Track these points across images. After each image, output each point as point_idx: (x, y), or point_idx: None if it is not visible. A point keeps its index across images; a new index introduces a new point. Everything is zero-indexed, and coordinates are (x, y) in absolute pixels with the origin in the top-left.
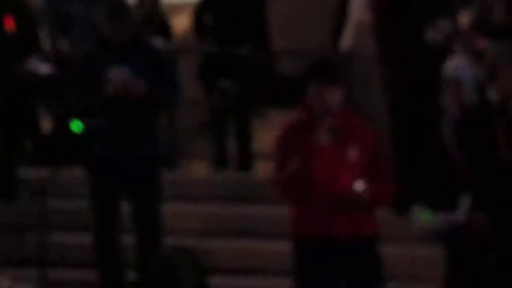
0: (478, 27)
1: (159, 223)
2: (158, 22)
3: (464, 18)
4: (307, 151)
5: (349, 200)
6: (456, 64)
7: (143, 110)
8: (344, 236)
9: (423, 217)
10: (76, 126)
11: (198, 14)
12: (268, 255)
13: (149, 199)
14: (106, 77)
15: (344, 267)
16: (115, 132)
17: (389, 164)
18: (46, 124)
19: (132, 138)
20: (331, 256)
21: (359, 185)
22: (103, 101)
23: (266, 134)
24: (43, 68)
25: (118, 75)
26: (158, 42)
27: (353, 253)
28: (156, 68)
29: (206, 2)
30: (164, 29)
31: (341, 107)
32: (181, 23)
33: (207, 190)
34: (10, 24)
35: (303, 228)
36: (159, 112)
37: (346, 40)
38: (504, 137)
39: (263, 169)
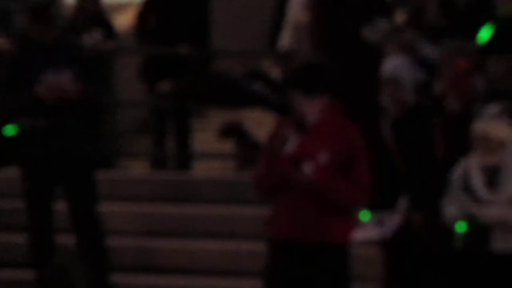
0: (413, 27)
1: (98, 223)
2: (100, 21)
3: (399, 18)
4: (275, 154)
5: (295, 176)
6: (395, 64)
7: (78, 110)
8: (309, 240)
9: (361, 216)
10: (9, 129)
11: (142, 14)
12: (206, 254)
13: (86, 198)
14: (42, 80)
15: (307, 272)
16: (49, 132)
17: (366, 173)
18: None
19: (67, 137)
20: (296, 260)
21: (306, 166)
22: (36, 101)
23: (205, 133)
24: None
25: (54, 79)
26: (90, 40)
27: (317, 259)
28: (81, 68)
29: (150, 2)
30: (106, 28)
31: (323, 113)
32: (124, 22)
33: (145, 189)
34: None
35: (271, 229)
36: (93, 112)
37: (284, 38)
38: (441, 136)
39: (201, 169)
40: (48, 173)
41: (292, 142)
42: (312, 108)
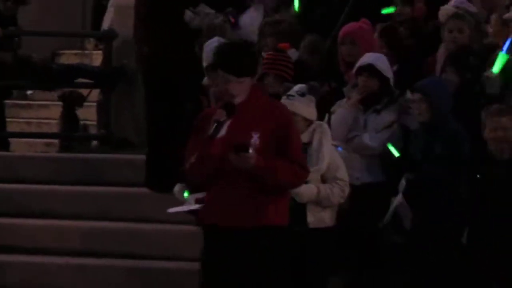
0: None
1: None
2: None
3: None
4: (206, 140)
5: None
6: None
7: None
8: (246, 225)
9: (184, 196)
10: None
11: None
12: (26, 233)
13: None
14: None
15: (245, 256)
16: None
17: (300, 150)
18: None
19: None
20: (233, 245)
21: (249, 153)
22: None
23: (26, 114)
24: None
25: None
26: None
27: (255, 243)
28: None
29: None
30: None
31: (250, 93)
32: None
33: None
34: None
35: (206, 215)
36: None
37: (107, 21)
38: None
39: (19, 149)
40: None
41: (223, 126)
42: (239, 89)
